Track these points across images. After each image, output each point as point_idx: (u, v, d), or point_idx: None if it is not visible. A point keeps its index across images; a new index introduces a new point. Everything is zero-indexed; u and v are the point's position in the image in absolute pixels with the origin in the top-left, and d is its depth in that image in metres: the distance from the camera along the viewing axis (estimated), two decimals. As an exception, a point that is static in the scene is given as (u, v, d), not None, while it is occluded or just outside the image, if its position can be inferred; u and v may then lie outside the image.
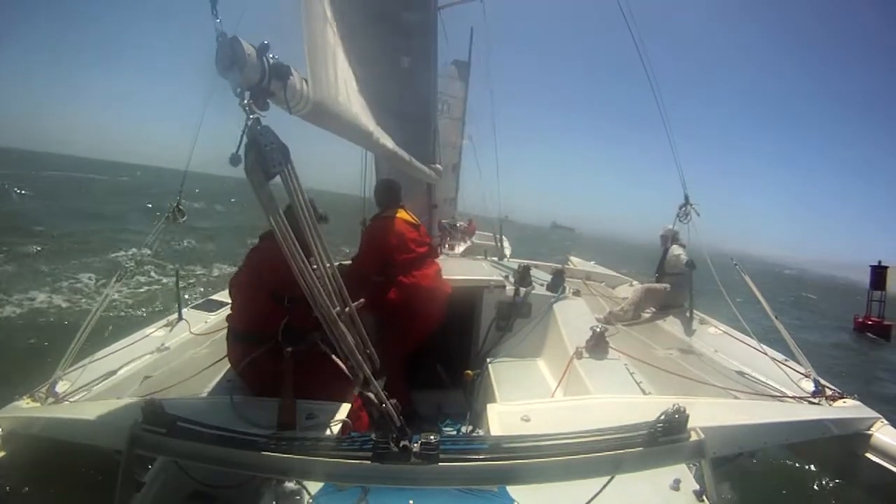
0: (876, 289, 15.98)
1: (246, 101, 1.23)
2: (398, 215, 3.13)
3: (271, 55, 1.36)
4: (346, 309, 1.46)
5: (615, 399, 2.24)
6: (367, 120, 2.45)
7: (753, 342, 3.21)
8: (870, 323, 15.32)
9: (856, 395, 2.34)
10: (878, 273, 16.16)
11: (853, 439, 2.08)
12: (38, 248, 11.10)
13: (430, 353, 3.21)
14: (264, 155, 1.20)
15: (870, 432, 2.08)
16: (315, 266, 1.42)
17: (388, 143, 2.83)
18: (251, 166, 1.19)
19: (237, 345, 2.29)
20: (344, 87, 2.12)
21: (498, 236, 6.68)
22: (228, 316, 2.39)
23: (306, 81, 1.73)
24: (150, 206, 19.56)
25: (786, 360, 2.92)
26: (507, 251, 6.95)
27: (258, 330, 2.18)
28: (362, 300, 1.60)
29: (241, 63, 1.25)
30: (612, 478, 1.25)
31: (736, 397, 2.55)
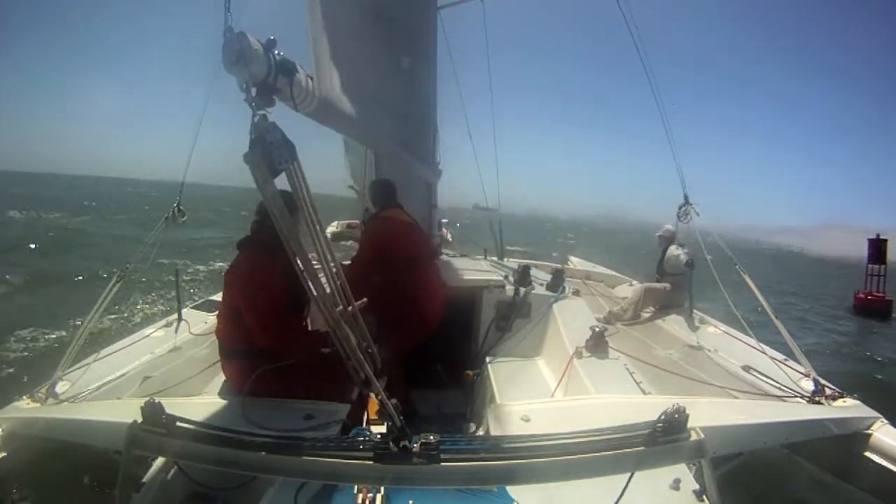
0: (875, 263, 15.56)
1: (252, 97, 1.23)
2: (397, 215, 3.12)
3: (278, 51, 1.36)
4: (349, 308, 1.46)
5: (615, 399, 2.24)
6: (369, 118, 2.45)
7: (753, 342, 3.21)
8: (870, 298, 14.78)
9: (856, 395, 2.34)
10: (877, 246, 15.73)
11: (853, 439, 2.08)
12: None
13: (430, 353, 3.21)
14: (270, 151, 1.20)
15: (870, 432, 2.08)
16: (317, 265, 1.42)
17: (390, 141, 2.83)
18: (256, 162, 1.18)
19: (230, 363, 2.28)
20: (347, 85, 2.12)
21: (497, 236, 6.67)
22: (217, 330, 2.37)
23: (312, 79, 1.72)
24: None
25: (786, 359, 2.92)
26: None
27: (246, 347, 2.16)
28: (365, 300, 1.60)
29: (249, 58, 1.24)
30: (631, 475, 1.23)
31: (736, 397, 2.55)
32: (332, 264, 1.44)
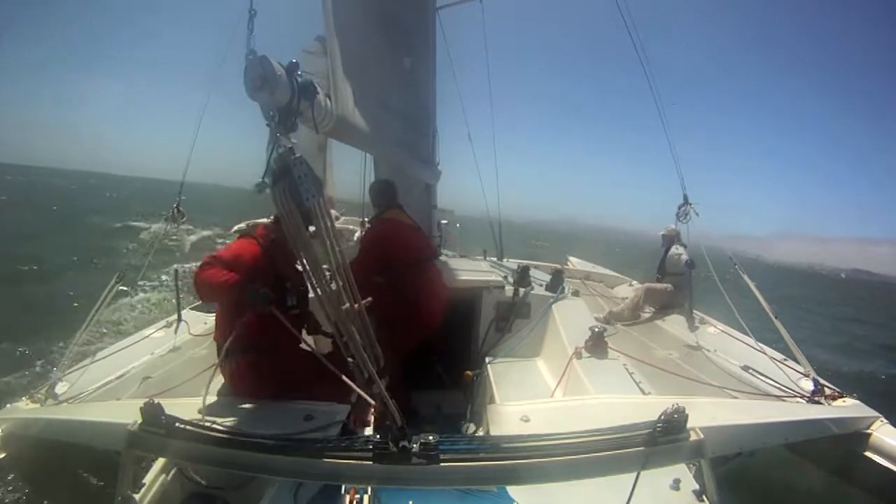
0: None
1: (276, 123, 1.20)
2: (398, 217, 3.12)
3: (299, 73, 1.33)
4: (356, 306, 1.46)
5: (615, 399, 2.24)
6: (379, 128, 2.44)
7: (753, 342, 3.21)
8: None
9: (855, 395, 2.34)
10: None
11: (853, 438, 2.09)
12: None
13: (430, 353, 3.21)
14: (297, 186, 1.18)
15: (869, 431, 2.08)
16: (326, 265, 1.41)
17: (397, 148, 2.82)
18: (282, 196, 1.17)
19: (226, 361, 2.22)
20: (359, 96, 2.11)
21: (497, 236, 6.67)
22: (215, 334, 2.33)
23: (329, 98, 1.70)
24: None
25: (785, 359, 2.92)
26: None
27: (242, 344, 2.12)
28: (370, 298, 1.60)
29: (273, 84, 1.21)
30: (637, 475, 1.23)
31: (735, 397, 2.55)
32: (340, 263, 1.44)
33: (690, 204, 3.91)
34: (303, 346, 2.28)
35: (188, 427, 1.35)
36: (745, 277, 3.24)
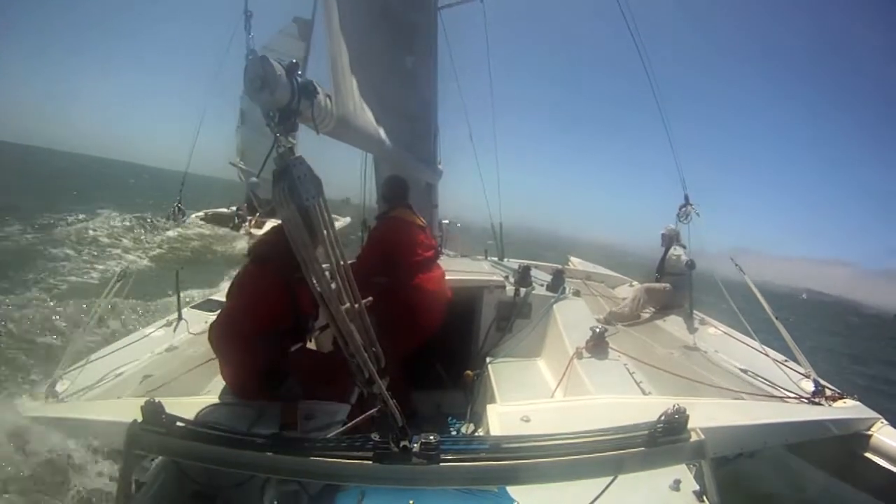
0: None
1: (276, 123, 1.20)
2: (405, 216, 3.09)
3: (299, 73, 1.33)
4: (356, 306, 1.45)
5: (615, 399, 2.24)
6: (378, 126, 2.44)
7: (753, 342, 3.21)
8: None
9: (856, 396, 2.34)
10: None
11: (853, 439, 2.09)
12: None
13: (431, 353, 3.20)
14: (297, 186, 1.18)
15: (870, 433, 2.08)
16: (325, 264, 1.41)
17: (398, 147, 2.82)
18: (282, 196, 1.17)
19: (224, 367, 2.25)
20: (359, 95, 2.11)
21: (498, 238, 6.66)
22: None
23: (330, 98, 1.70)
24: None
25: (786, 360, 2.92)
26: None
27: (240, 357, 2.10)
28: (370, 297, 1.60)
29: (273, 85, 1.22)
30: (614, 478, 1.24)
31: (736, 397, 2.55)
32: (341, 263, 1.43)
33: (691, 204, 3.90)
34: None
35: (189, 426, 1.35)
36: (747, 279, 3.24)
